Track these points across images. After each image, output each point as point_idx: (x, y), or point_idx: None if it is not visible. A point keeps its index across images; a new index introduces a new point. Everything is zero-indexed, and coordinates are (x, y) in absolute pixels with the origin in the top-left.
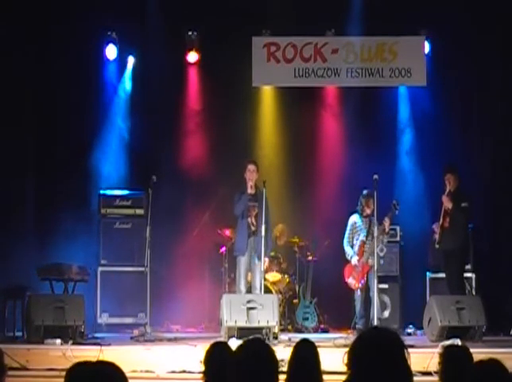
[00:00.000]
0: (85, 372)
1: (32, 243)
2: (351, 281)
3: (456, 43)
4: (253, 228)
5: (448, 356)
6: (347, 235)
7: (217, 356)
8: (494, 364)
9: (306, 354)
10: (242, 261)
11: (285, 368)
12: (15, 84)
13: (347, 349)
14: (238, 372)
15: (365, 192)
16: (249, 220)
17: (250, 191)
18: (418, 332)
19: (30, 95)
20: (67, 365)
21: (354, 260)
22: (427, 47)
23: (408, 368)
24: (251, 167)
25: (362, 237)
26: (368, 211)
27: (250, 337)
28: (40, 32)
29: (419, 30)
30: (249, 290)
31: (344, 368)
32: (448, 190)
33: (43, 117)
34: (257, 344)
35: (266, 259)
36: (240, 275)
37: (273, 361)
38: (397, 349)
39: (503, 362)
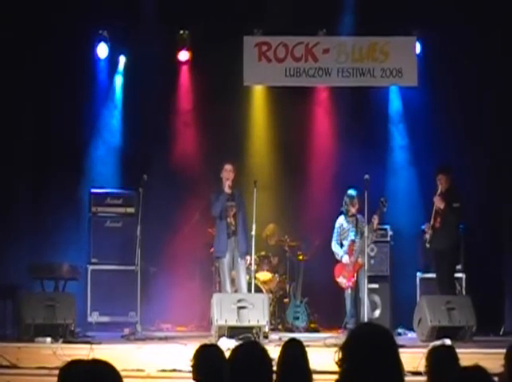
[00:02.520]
0: (80, 371)
1: (22, 242)
2: (341, 280)
3: (447, 43)
4: (232, 228)
5: (433, 356)
6: (334, 237)
7: (205, 358)
8: (478, 371)
9: (294, 353)
10: (225, 262)
11: (275, 368)
12: (7, 84)
13: (338, 348)
14: (233, 376)
15: (349, 191)
16: (228, 220)
17: (227, 191)
18: (408, 332)
19: (22, 94)
20: (58, 364)
21: (346, 258)
22: (418, 47)
23: (400, 363)
24: (228, 167)
25: (351, 237)
26: (353, 210)
27: (241, 336)
28: (30, 30)
29: (410, 31)
30: (236, 290)
31: (335, 368)
32: (439, 190)
33: (34, 115)
34: (251, 347)
35: (248, 258)
36: (224, 276)
37: (268, 364)
38: (389, 344)
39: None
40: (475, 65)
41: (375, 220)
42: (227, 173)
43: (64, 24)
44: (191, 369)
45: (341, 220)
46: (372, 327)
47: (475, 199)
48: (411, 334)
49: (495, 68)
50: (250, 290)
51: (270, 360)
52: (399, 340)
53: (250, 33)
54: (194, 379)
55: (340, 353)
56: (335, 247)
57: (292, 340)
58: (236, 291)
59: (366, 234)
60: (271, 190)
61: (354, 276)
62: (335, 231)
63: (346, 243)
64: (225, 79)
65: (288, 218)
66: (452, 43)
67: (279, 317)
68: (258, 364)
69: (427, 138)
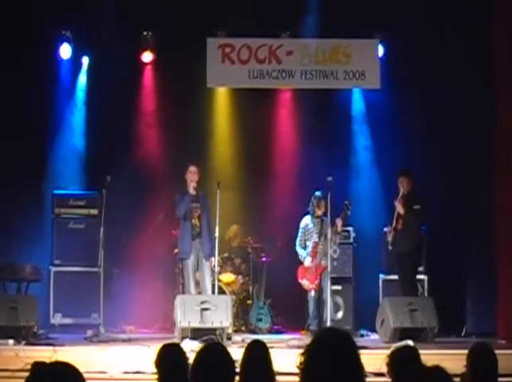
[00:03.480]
0: (42, 374)
1: None
2: (304, 282)
3: (410, 46)
4: (197, 230)
5: (396, 357)
6: (299, 237)
7: (167, 358)
8: (438, 372)
9: (258, 355)
10: (189, 263)
11: (238, 369)
12: None
13: (300, 351)
14: (196, 377)
15: (317, 193)
16: (192, 221)
17: (192, 192)
18: (371, 333)
19: None
20: (20, 366)
21: (308, 261)
22: (381, 50)
23: (361, 368)
24: (192, 169)
25: (315, 238)
26: (319, 212)
27: (204, 338)
28: None
29: (373, 33)
30: (200, 292)
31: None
32: (401, 193)
33: None
34: (213, 349)
35: (213, 259)
36: (189, 278)
37: (231, 366)
38: (350, 349)
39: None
40: (438, 67)
41: (339, 222)
42: (192, 174)
43: (26, 24)
44: (154, 371)
45: (307, 220)
46: (333, 332)
47: (438, 200)
48: (374, 335)
49: (458, 69)
50: (213, 292)
51: (233, 361)
52: (362, 341)
53: (214, 35)
54: (158, 380)
55: (301, 358)
56: (298, 248)
57: (256, 341)
58: (200, 293)
59: (329, 236)
60: (234, 191)
61: (317, 278)
62: (300, 231)
63: (310, 244)
64: (188, 80)
65: (252, 219)
66: (414, 45)
67: (242, 319)
68: (221, 366)
69: (390, 140)
